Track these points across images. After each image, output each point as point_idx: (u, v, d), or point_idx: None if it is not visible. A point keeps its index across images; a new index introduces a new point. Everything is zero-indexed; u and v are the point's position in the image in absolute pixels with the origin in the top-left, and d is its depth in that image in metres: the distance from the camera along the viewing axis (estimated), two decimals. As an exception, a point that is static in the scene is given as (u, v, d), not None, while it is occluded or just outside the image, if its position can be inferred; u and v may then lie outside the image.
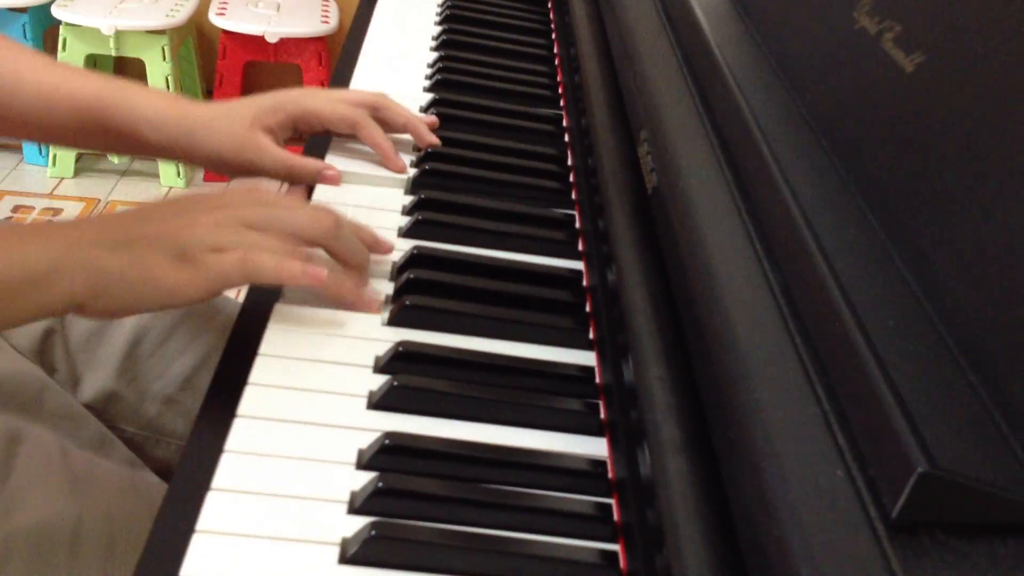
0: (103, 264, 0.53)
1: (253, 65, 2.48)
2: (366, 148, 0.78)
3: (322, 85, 2.42)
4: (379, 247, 0.64)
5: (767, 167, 0.55)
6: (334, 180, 0.74)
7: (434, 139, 0.79)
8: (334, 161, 0.76)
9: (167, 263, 0.54)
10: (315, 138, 0.81)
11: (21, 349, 0.78)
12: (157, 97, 0.75)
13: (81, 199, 2.35)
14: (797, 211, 0.50)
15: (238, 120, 0.73)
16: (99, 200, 2.34)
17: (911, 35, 0.56)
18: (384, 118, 0.79)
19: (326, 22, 2.41)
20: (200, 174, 2.46)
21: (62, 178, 2.41)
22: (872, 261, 0.48)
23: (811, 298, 0.46)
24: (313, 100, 0.76)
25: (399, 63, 0.96)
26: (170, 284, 0.54)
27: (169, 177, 2.40)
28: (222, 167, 0.74)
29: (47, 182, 2.40)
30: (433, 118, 0.82)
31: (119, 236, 0.54)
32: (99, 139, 0.76)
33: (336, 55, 2.50)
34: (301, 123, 0.76)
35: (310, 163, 0.74)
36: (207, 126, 0.73)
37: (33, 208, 2.30)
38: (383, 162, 0.77)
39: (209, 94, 2.57)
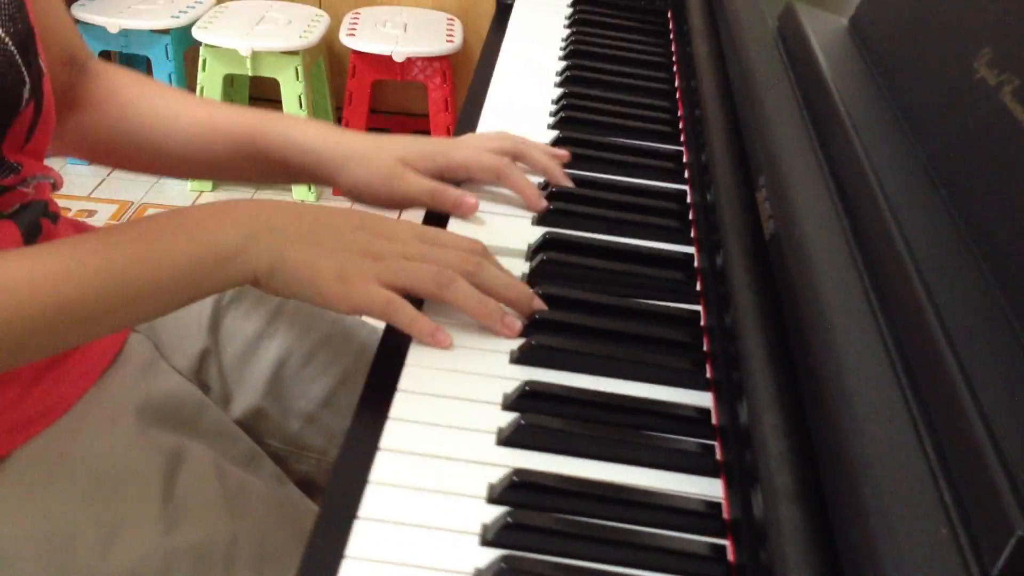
0: (283, 254, 0.63)
1: (380, 83, 2.57)
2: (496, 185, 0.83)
3: (446, 102, 2.49)
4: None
5: (884, 220, 0.57)
6: (472, 208, 0.78)
7: (567, 181, 0.83)
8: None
9: (330, 274, 0.63)
10: None
11: (181, 369, 0.84)
12: (307, 124, 0.83)
13: (218, 212, 2.47)
14: (912, 266, 0.52)
15: (388, 154, 0.80)
16: (235, 213, 2.46)
17: (1031, 90, 0.57)
18: (525, 164, 0.83)
19: (451, 41, 2.48)
20: (329, 190, 2.56)
21: (201, 192, 2.53)
22: (986, 318, 0.49)
23: (923, 355, 0.48)
24: (460, 152, 0.81)
25: (525, 98, 1.01)
26: (326, 293, 0.63)
27: (301, 192, 2.51)
28: (366, 196, 0.80)
29: (188, 195, 2.53)
30: (565, 153, 0.85)
31: (303, 234, 0.64)
32: (248, 166, 0.84)
33: (459, 73, 2.58)
34: (446, 173, 0.81)
35: (452, 190, 0.78)
36: (361, 157, 0.80)
37: (174, 221, 2.42)
38: (526, 205, 0.81)
39: (339, 111, 2.67)
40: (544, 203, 0.80)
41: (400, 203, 0.80)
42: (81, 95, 0.83)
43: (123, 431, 0.73)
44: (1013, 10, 0.63)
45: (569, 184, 0.82)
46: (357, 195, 0.80)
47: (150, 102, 0.84)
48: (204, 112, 0.84)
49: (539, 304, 0.67)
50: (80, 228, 0.82)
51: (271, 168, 0.83)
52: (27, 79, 0.68)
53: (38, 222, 0.72)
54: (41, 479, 0.68)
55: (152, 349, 0.81)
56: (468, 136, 0.87)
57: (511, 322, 0.65)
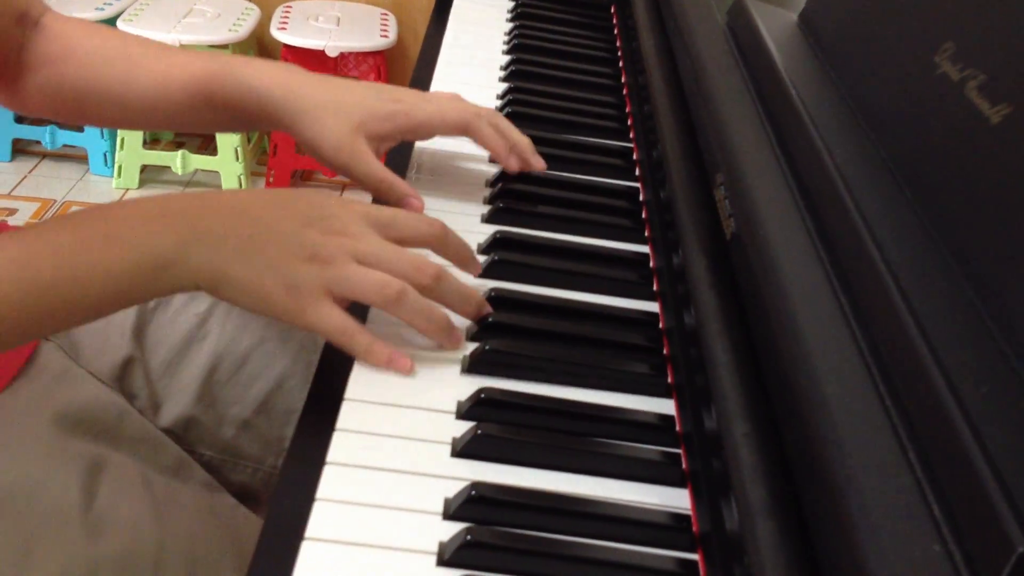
0: (224, 268, 0.58)
1: (313, 78, 2.51)
2: (444, 180, 0.79)
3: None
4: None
5: (850, 218, 0.55)
6: (418, 209, 0.73)
7: (540, 163, 0.80)
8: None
9: (280, 288, 0.58)
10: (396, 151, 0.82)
11: (101, 376, 0.79)
12: (266, 69, 0.77)
13: (145, 210, 2.39)
14: (883, 267, 0.50)
15: (345, 117, 0.74)
16: (162, 211, 2.38)
17: (997, 85, 0.55)
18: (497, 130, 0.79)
19: (385, 36, 2.43)
20: (261, 184, 2.50)
21: (127, 189, 2.45)
22: (961, 320, 0.48)
23: (901, 360, 0.46)
24: (423, 110, 0.77)
25: (469, 92, 0.97)
26: (277, 308, 0.59)
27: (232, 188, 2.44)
28: (315, 156, 0.75)
29: (113, 193, 2.44)
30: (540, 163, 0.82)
31: (244, 242, 0.59)
32: (207, 115, 0.80)
33: (394, 68, 2.53)
34: (410, 135, 0.77)
35: (400, 186, 0.74)
36: (313, 113, 0.74)
37: (98, 219, 2.34)
38: (498, 159, 0.78)
39: (269, 106, 2.60)
40: (515, 162, 0.78)
41: (348, 177, 0.75)
42: (37, 55, 0.79)
43: (37, 442, 0.69)
44: (975, 3, 0.62)
45: (541, 165, 0.80)
46: (308, 152, 0.76)
47: (107, 55, 0.80)
48: (161, 63, 0.79)
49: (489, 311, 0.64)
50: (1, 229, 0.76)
51: (231, 115, 0.79)
52: None
53: None
54: None
55: (65, 358, 0.77)
56: (432, 92, 0.83)
57: (459, 336, 0.62)
